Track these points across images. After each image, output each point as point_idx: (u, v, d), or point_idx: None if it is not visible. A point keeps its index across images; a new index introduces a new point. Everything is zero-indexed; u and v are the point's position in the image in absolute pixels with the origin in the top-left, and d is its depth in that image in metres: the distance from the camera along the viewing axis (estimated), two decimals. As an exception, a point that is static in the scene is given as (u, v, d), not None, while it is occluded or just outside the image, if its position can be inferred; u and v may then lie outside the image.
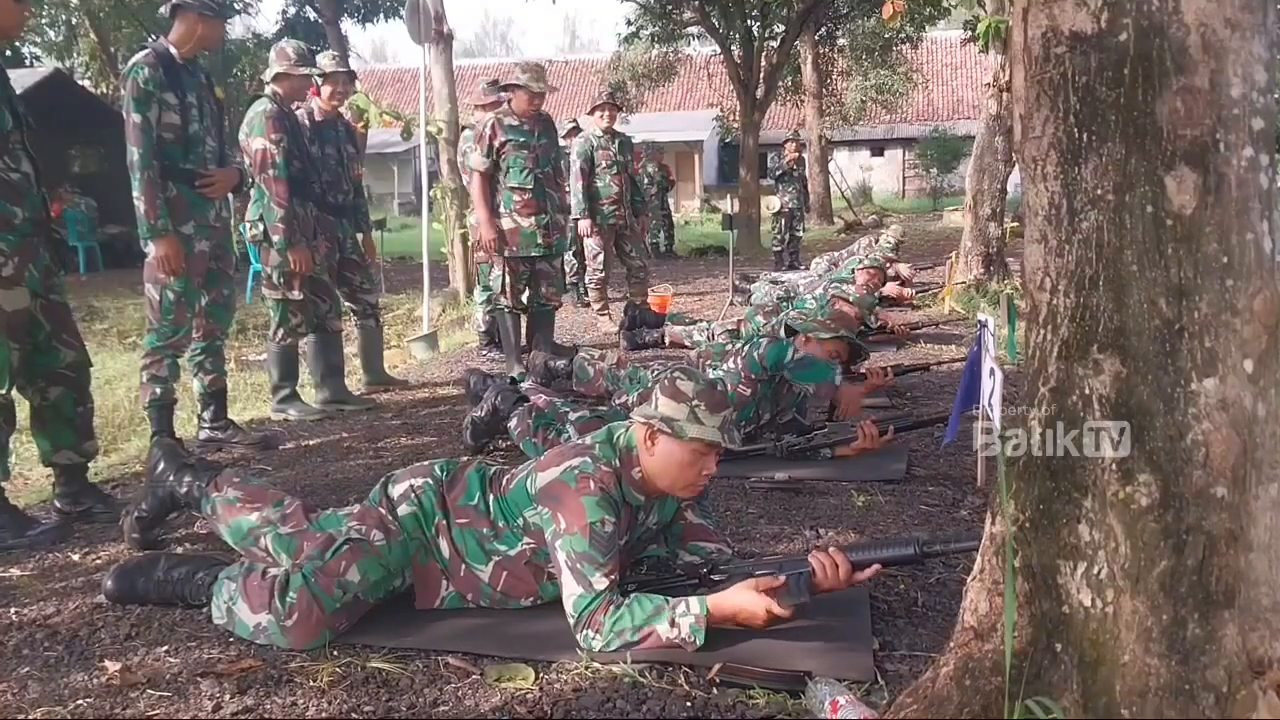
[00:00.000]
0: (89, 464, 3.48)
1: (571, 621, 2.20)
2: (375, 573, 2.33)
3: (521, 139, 5.59)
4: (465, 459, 2.69)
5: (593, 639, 2.17)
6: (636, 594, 2.24)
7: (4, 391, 3.09)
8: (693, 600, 2.19)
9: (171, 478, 2.83)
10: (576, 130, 9.82)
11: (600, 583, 2.19)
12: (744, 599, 2.18)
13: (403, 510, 2.43)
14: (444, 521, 2.43)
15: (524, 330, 5.85)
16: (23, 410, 3.29)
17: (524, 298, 5.69)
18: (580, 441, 2.51)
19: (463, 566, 2.41)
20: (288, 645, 2.24)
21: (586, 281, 8.18)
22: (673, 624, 2.15)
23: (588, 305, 8.33)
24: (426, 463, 2.60)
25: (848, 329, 4.12)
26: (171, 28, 3.96)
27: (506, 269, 5.61)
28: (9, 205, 3.08)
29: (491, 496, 2.44)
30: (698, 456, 2.32)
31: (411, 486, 2.47)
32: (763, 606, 2.15)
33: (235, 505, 2.65)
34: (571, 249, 10.03)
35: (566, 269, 10.26)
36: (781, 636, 2.21)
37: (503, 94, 5.88)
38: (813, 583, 2.21)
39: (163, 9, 4.04)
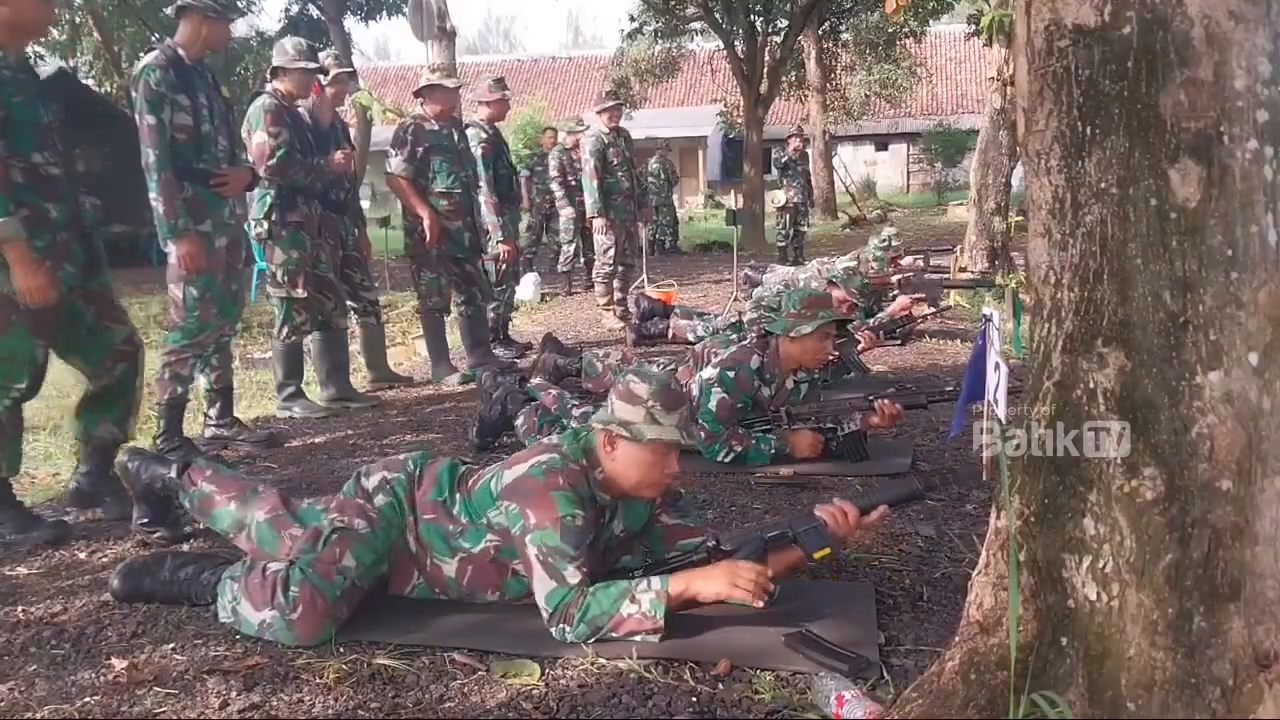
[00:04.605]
0: (116, 450, 3.48)
1: (545, 616, 2.21)
2: (367, 557, 2.35)
3: (445, 144, 5.59)
4: (437, 455, 2.67)
5: (566, 631, 2.19)
6: (600, 583, 2.25)
7: (22, 386, 3.12)
8: (654, 578, 2.22)
9: (144, 474, 2.88)
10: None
11: (573, 576, 2.20)
12: (707, 572, 2.23)
13: (380, 500, 2.44)
14: (411, 517, 2.44)
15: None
16: (39, 404, 3.30)
17: (455, 300, 5.75)
18: (549, 440, 2.53)
19: (429, 561, 2.43)
20: (293, 640, 2.25)
21: (593, 275, 8.28)
22: (633, 600, 2.17)
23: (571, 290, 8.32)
24: (401, 456, 2.61)
25: (826, 310, 3.85)
26: (178, 29, 3.97)
27: (441, 270, 5.64)
28: (44, 201, 3.11)
29: (458, 495, 2.45)
30: (660, 456, 2.35)
31: (385, 479, 2.49)
32: (728, 578, 2.19)
33: (212, 498, 2.69)
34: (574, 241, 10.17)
35: (564, 258, 10.39)
36: (786, 631, 2.21)
37: (417, 99, 5.79)
38: (829, 531, 2.26)
39: (168, 9, 4.05)
